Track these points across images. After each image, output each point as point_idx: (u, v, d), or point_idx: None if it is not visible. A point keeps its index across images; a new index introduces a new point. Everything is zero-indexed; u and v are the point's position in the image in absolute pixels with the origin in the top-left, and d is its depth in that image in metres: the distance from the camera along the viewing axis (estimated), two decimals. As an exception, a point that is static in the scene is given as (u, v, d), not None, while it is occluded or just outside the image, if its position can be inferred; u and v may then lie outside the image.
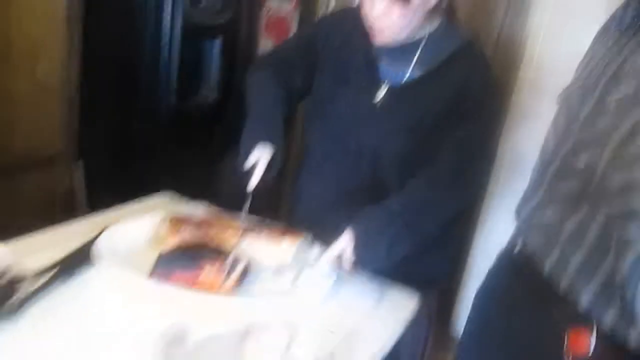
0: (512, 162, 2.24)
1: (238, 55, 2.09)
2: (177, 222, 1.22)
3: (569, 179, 0.83)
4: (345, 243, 1.10)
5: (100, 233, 1.19)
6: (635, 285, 0.72)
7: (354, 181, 1.28)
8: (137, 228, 1.24)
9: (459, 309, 2.54)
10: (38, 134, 1.77)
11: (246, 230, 1.21)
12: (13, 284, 0.96)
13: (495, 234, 2.37)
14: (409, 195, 1.16)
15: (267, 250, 1.19)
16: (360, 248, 1.09)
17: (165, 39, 1.82)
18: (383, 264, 1.13)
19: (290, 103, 1.31)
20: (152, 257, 1.12)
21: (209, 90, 2.06)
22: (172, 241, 1.17)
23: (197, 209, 1.31)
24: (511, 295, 0.97)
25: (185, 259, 1.07)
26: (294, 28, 2.48)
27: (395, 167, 1.23)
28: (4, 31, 1.59)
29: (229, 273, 1.07)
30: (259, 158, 1.16)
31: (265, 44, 2.29)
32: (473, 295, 1.12)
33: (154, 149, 1.93)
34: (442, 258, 1.43)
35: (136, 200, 1.44)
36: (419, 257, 1.22)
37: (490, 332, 1.02)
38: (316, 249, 1.22)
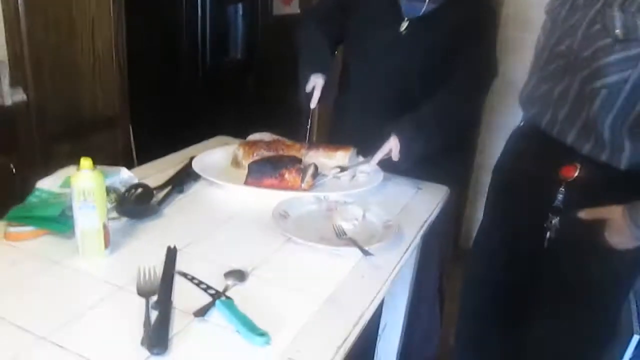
0: (503, 89, 2.56)
1: (257, 18, 2.37)
2: (251, 146, 1.52)
3: (555, 61, 1.16)
4: (393, 143, 1.41)
5: (190, 161, 1.49)
6: (602, 121, 1.08)
7: (387, 95, 1.58)
8: (217, 154, 1.54)
9: (467, 225, 2.90)
10: (100, 99, 2.04)
11: (308, 147, 1.51)
12: (148, 192, 1.26)
13: (494, 154, 2.70)
14: (435, 103, 1.46)
15: (326, 159, 1.49)
16: (405, 146, 1.40)
17: (199, 7, 2.09)
18: (421, 156, 1.44)
19: (331, 45, 1.62)
20: (235, 173, 1.44)
21: (236, 49, 2.35)
22: (250, 161, 1.47)
23: (262, 135, 1.61)
24: (516, 153, 1.32)
25: (269, 167, 1.37)
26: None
27: (420, 81, 1.53)
28: (69, 13, 1.85)
29: (304, 175, 1.38)
30: (316, 83, 1.49)
31: (278, 5, 2.56)
32: (480, 211, 1.46)
33: (196, 102, 2.22)
34: (458, 162, 1.76)
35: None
36: (442, 159, 1.53)
37: (499, 185, 1.38)
38: (361, 157, 1.53)
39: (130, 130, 2.21)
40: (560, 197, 1.15)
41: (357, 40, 1.62)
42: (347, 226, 1.20)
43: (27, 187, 1.20)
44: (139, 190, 1.25)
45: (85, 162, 0.98)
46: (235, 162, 1.53)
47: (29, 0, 1.72)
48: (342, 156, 1.50)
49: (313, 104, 1.50)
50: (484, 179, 2.75)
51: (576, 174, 1.13)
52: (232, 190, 1.37)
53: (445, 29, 1.50)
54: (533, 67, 1.27)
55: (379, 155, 1.43)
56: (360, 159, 1.53)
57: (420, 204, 1.41)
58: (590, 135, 1.10)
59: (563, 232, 1.16)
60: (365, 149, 1.51)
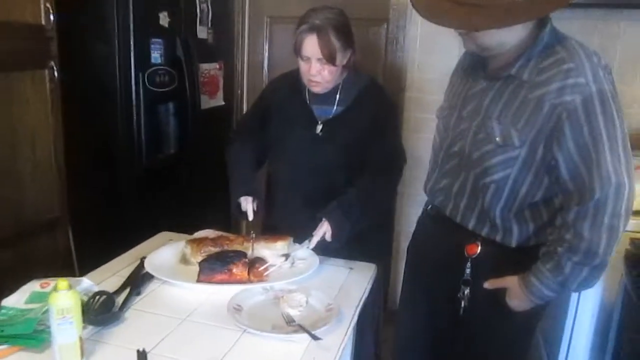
0: (412, 163, 2.89)
1: (186, 114, 2.56)
2: (198, 243, 1.67)
3: (451, 160, 1.44)
4: (325, 227, 1.63)
5: (142, 261, 1.61)
6: (495, 209, 1.36)
7: (311, 190, 1.80)
8: (165, 252, 1.68)
9: (393, 288, 3.13)
10: (40, 203, 2.12)
11: (250, 240, 1.69)
12: (109, 300, 1.37)
13: (410, 222, 3.00)
14: (358, 189, 1.70)
15: (268, 249, 1.67)
16: (336, 227, 1.62)
17: (133, 109, 2.26)
18: (350, 235, 1.66)
19: (259, 158, 1.88)
20: (186, 270, 1.58)
21: (169, 144, 2.52)
22: (198, 257, 1.62)
23: (206, 233, 1.77)
24: (428, 234, 1.58)
25: (219, 264, 1.53)
26: (221, 83, 3.00)
27: (341, 174, 1.78)
28: (9, 124, 1.95)
29: (251, 267, 1.55)
30: (247, 202, 1.74)
31: (204, 99, 2.78)
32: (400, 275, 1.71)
33: (134, 200, 2.34)
34: (382, 239, 2.01)
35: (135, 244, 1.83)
36: (368, 235, 1.76)
37: (419, 260, 1.62)
38: (297, 245, 1.72)
39: (70, 232, 2.28)
40: (468, 271, 1.40)
41: (278, 142, 1.87)
42: (294, 312, 1.38)
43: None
44: (102, 297, 1.36)
45: (63, 283, 1.11)
46: (184, 260, 1.67)
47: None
48: (282, 245, 1.69)
49: (250, 217, 1.74)
50: (404, 245, 3.03)
51: (478, 251, 1.39)
52: (187, 287, 1.50)
53: (356, 126, 1.77)
54: (433, 164, 1.54)
55: (315, 239, 1.64)
56: (297, 245, 1.72)
57: (354, 283, 1.62)
58: (485, 220, 1.37)
59: (474, 300, 1.40)
60: (296, 237, 1.73)
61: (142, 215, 2.35)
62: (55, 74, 2.08)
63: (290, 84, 1.87)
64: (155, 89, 2.38)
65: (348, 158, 1.77)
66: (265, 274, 1.58)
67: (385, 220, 2.05)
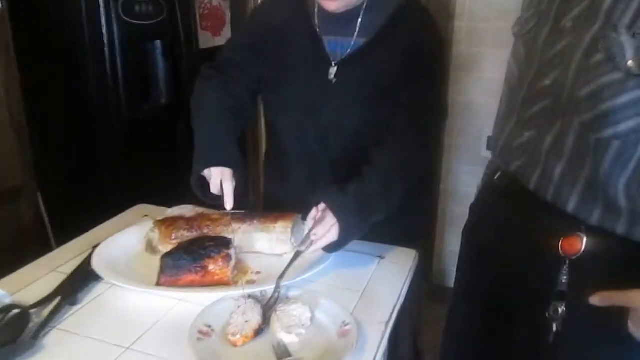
0: (462, 111, 2.33)
1: (181, 55, 2.06)
2: (168, 225, 1.21)
3: (539, 101, 0.89)
4: (326, 222, 1.09)
5: (92, 252, 1.17)
6: (617, 182, 0.80)
7: (322, 157, 1.30)
8: (127, 239, 1.23)
9: (439, 259, 2.64)
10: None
11: (238, 220, 1.21)
12: (20, 319, 0.94)
13: (460, 180, 2.47)
14: (378, 166, 1.18)
15: (264, 232, 1.20)
16: (344, 228, 1.09)
17: (105, 48, 1.78)
18: (364, 232, 1.15)
19: (240, 110, 1.30)
20: (151, 263, 1.13)
21: (158, 92, 2.03)
22: (168, 246, 1.17)
23: (182, 210, 1.30)
24: (500, 217, 1.03)
25: (188, 259, 1.07)
26: (228, 16, 2.47)
27: (359, 137, 1.25)
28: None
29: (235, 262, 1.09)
30: (222, 179, 1.15)
31: (205, 37, 2.27)
32: (450, 243, 1.17)
33: (115, 165, 1.89)
34: (418, 213, 1.49)
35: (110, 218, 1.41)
36: (399, 216, 1.24)
37: (483, 258, 1.09)
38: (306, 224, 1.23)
39: (41, 201, 1.88)
40: (564, 278, 0.88)
41: (274, 93, 1.34)
42: (290, 339, 0.91)
43: None
44: (10, 315, 0.93)
45: None
46: (151, 248, 1.22)
47: None
48: (283, 227, 1.21)
49: (228, 204, 1.15)
50: (452, 209, 2.51)
51: (583, 248, 0.86)
52: (143, 293, 1.05)
53: (385, 67, 1.23)
54: (506, 107, 1.00)
55: (314, 244, 1.10)
56: (306, 225, 1.24)
57: (384, 282, 1.14)
58: (597, 199, 0.84)
59: (572, 323, 0.89)
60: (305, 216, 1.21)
61: (124, 180, 1.90)
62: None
63: (292, 7, 1.31)
64: (135, 22, 1.87)
65: (373, 115, 1.24)
66: (256, 272, 1.11)
67: (424, 188, 1.50)
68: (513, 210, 0.98)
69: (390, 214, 1.20)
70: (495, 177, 1.04)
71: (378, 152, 1.19)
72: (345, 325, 0.94)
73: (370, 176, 1.16)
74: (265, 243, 1.20)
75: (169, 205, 1.42)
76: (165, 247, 1.17)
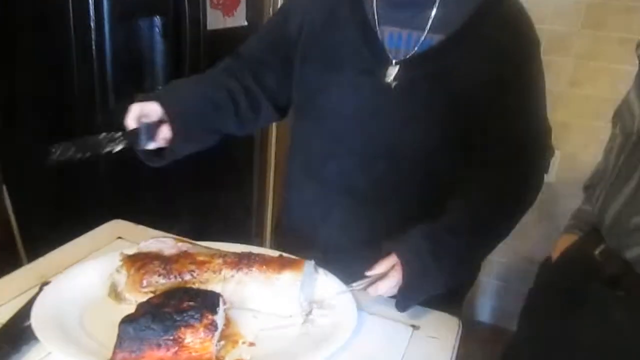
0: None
1: (185, 36, 1.76)
2: (139, 267, 0.92)
3: None
4: (390, 270, 0.86)
5: (38, 292, 0.89)
6: None
7: (363, 186, 1.01)
8: (86, 277, 0.95)
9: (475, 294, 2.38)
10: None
11: (231, 265, 0.92)
12: None
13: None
14: (465, 208, 0.91)
15: (266, 285, 0.91)
16: (411, 279, 0.84)
17: (91, 22, 1.48)
18: (437, 293, 0.88)
19: (227, 108, 1.04)
20: (114, 313, 0.83)
21: (154, 79, 1.72)
22: (137, 294, 0.88)
23: (160, 244, 1.01)
24: (602, 312, 0.73)
25: (157, 326, 0.77)
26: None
27: (420, 165, 0.97)
28: None
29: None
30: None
31: (214, 16, 1.96)
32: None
33: (95, 167, 1.60)
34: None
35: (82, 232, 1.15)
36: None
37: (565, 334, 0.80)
38: (323, 273, 0.96)
39: (6, 194, 1.61)
40: None
41: (311, 98, 1.05)
42: None
43: None
44: None
45: None
46: (115, 294, 0.93)
47: None
48: (291, 279, 0.91)
49: (142, 146, 0.95)
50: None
51: None
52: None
53: (466, 74, 0.94)
54: (621, 163, 0.70)
55: (369, 283, 0.87)
56: (322, 275, 0.96)
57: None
58: None
59: None
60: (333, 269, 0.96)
61: (104, 188, 1.62)
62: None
63: None
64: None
65: (440, 135, 0.97)
66: (249, 343, 0.82)
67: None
68: (627, 306, 0.68)
69: None
70: (597, 252, 0.73)
71: (466, 190, 0.93)
72: None
73: (456, 218, 0.91)
74: (264, 300, 0.91)
75: (152, 221, 1.17)
76: (134, 296, 0.89)
